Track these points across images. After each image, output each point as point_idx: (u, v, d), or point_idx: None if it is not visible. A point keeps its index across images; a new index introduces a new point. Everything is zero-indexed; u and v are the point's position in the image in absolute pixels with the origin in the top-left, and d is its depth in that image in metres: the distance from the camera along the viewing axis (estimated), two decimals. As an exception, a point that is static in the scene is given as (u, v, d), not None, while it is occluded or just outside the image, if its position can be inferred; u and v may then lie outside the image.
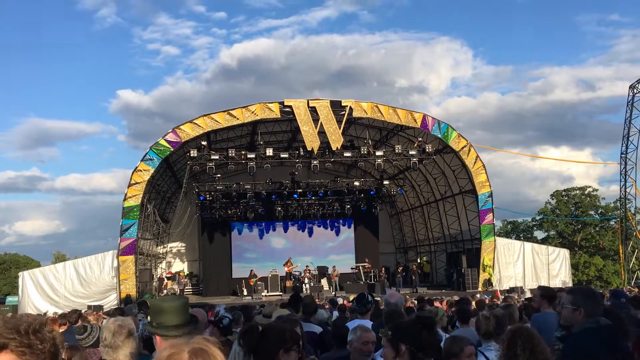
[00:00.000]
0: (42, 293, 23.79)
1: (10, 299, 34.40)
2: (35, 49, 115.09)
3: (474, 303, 10.28)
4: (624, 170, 33.51)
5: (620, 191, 34.50)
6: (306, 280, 26.96)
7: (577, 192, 53.62)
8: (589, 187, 53.95)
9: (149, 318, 2.96)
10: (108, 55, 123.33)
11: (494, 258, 26.52)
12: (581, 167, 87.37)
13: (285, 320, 4.04)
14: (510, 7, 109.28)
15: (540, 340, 3.60)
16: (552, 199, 54.70)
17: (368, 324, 5.69)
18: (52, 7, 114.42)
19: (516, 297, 15.65)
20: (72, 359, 3.44)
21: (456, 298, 13.60)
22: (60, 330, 6.66)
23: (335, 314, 9.02)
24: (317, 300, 16.59)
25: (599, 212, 52.94)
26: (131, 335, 3.49)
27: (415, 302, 11.26)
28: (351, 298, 15.76)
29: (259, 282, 26.89)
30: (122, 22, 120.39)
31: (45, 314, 19.60)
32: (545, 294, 5.98)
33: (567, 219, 51.85)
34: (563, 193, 54.25)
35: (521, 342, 3.55)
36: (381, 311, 7.83)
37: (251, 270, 27.95)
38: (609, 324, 3.72)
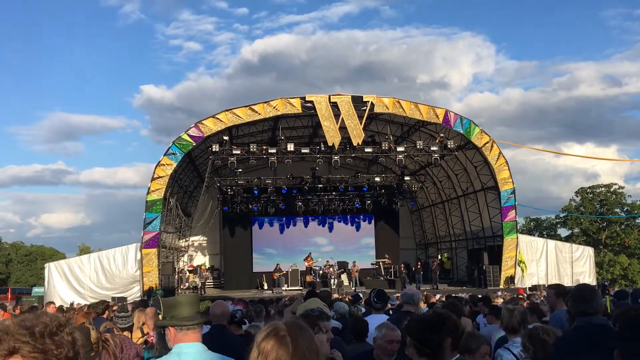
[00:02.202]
0: (67, 284, 24.22)
1: (36, 290, 35.24)
2: (60, 44, 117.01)
3: (496, 301, 10.22)
4: (651, 167, 32.86)
5: (647, 189, 33.85)
6: (335, 276, 26.96)
7: (603, 189, 52.75)
8: (615, 184, 53.09)
9: (160, 316, 3.13)
10: (131, 51, 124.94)
11: (516, 255, 26.26)
12: (607, 164, 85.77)
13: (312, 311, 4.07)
14: (535, 2, 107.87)
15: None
16: (577, 196, 53.92)
17: (384, 319, 5.71)
18: (77, 3, 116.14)
19: (542, 294, 15.49)
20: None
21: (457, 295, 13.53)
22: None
23: (362, 309, 9.03)
24: (338, 295, 16.65)
25: (624, 209, 52.02)
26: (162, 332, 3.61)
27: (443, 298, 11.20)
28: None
29: (281, 277, 27.17)
30: (145, 18, 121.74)
31: (72, 304, 19.98)
32: (560, 291, 5.99)
33: (592, 216, 51.05)
34: (588, 190, 53.42)
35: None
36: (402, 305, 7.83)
37: (277, 265, 28.17)
38: (602, 324, 3.68)
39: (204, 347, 3.03)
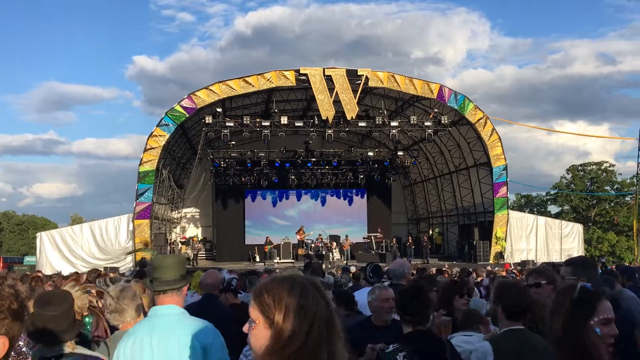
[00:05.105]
0: (59, 254, 24.26)
1: (28, 259, 35.31)
2: (52, 13, 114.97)
3: (484, 274, 10.37)
4: (642, 146, 33.00)
5: (638, 167, 34.11)
6: (333, 249, 27.02)
7: (594, 167, 53.10)
8: (606, 162, 53.44)
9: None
10: (124, 21, 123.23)
11: (506, 231, 26.52)
12: (598, 142, 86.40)
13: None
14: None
15: None
16: (568, 174, 54.25)
17: None
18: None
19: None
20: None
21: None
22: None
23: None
24: (330, 268, 16.78)
25: (614, 187, 52.48)
26: (134, 296, 3.61)
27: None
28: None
29: (272, 249, 27.31)
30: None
31: (59, 273, 19.98)
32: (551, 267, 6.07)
33: (582, 193, 51.49)
34: (579, 168, 53.75)
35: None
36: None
37: (267, 237, 28.29)
38: (610, 293, 3.79)
39: (181, 310, 3.01)
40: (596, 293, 2.20)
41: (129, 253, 23.46)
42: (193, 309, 3.51)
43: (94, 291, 3.13)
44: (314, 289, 1.64)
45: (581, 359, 2.03)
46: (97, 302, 3.17)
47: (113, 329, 3.60)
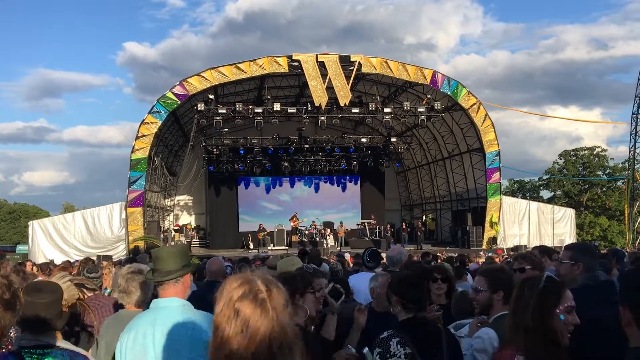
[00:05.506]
0: (51, 242, 24.13)
1: (20, 248, 35.06)
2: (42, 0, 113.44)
3: (480, 260, 10.39)
4: (634, 130, 33.18)
5: (630, 152, 34.29)
6: (330, 237, 26.96)
7: (586, 152, 53.30)
8: (598, 147, 53.62)
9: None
10: (114, 7, 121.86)
11: (499, 216, 26.62)
12: (590, 127, 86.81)
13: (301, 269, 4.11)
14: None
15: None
16: (560, 159, 54.45)
17: None
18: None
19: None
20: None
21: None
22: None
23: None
24: (323, 255, 16.76)
25: (606, 172, 52.73)
26: (144, 282, 3.59)
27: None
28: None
29: (266, 236, 27.31)
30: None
31: (51, 261, 19.86)
32: (543, 250, 6.08)
33: (574, 178, 51.71)
34: (571, 153, 53.95)
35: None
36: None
37: (260, 224, 28.29)
38: (607, 280, 3.75)
39: (183, 302, 2.96)
40: (561, 282, 2.32)
41: (136, 240, 23.37)
42: (200, 298, 3.50)
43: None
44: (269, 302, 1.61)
45: (550, 345, 2.17)
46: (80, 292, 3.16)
47: (120, 307, 3.74)
